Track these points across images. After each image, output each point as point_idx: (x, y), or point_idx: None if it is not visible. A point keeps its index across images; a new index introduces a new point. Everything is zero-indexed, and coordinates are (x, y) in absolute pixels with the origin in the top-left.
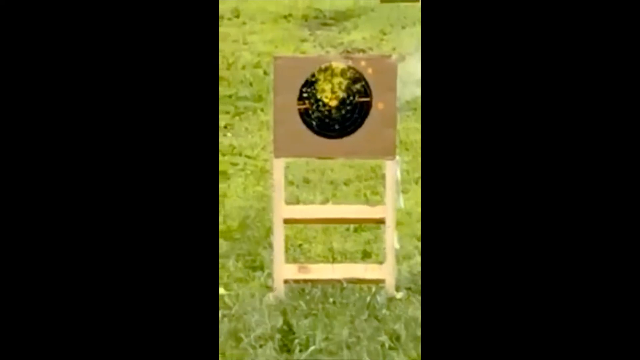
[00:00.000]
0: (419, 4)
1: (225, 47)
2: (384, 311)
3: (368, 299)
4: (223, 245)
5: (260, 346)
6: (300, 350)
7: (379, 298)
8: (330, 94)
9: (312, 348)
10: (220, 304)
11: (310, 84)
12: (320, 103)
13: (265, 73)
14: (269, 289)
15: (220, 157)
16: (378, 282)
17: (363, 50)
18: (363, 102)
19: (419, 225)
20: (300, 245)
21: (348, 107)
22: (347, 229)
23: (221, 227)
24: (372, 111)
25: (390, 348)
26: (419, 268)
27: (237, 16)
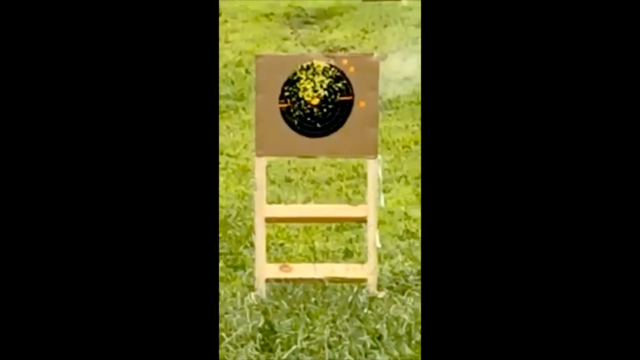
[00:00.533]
0: (402, 3)
1: None
2: (365, 310)
3: (350, 298)
4: None
5: (242, 346)
6: (282, 350)
7: (360, 297)
8: (312, 92)
9: (293, 347)
10: None
11: (292, 82)
12: (302, 102)
13: (246, 72)
14: (251, 288)
15: None
16: (360, 282)
17: (345, 49)
18: (345, 100)
19: (401, 225)
20: (281, 245)
21: (330, 106)
22: (329, 228)
23: None
24: (354, 110)
25: (372, 347)
26: (400, 267)
27: (219, 14)
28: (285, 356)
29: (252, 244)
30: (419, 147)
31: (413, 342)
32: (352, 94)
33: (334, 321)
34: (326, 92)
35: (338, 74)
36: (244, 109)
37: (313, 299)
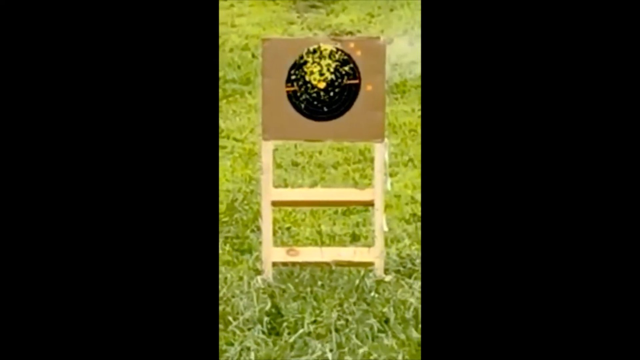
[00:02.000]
0: None
1: None
2: (372, 294)
3: (357, 282)
4: None
5: (249, 329)
6: (289, 333)
7: (367, 281)
8: (318, 76)
9: (300, 331)
10: None
11: (298, 66)
12: (309, 85)
13: (253, 56)
14: (258, 272)
15: None
16: (367, 265)
17: (351, 33)
18: (351, 84)
19: (407, 208)
20: (288, 228)
21: (336, 90)
22: (336, 212)
23: None
24: (361, 93)
25: (379, 331)
26: (407, 251)
27: None
28: (292, 340)
29: (259, 228)
30: None
31: (420, 325)
32: (359, 78)
33: (340, 305)
34: (333, 76)
35: (345, 57)
36: (250, 93)
37: (320, 283)
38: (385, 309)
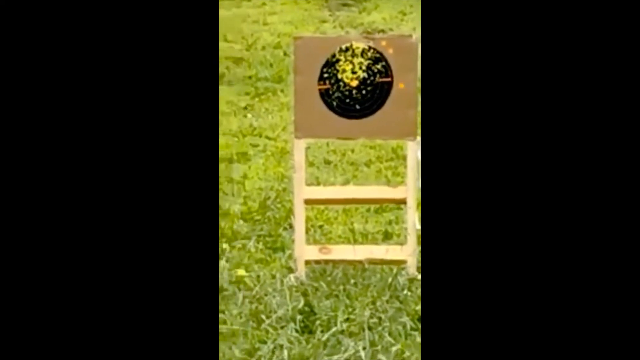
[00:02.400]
0: None
1: (245, 28)
2: (405, 292)
3: (389, 280)
4: (243, 226)
5: (282, 327)
6: (322, 332)
7: (400, 279)
8: (351, 74)
9: (333, 329)
10: (241, 286)
11: (330, 64)
12: (341, 83)
13: (285, 54)
14: (290, 270)
15: (241, 138)
16: (399, 263)
17: (383, 31)
18: (384, 82)
19: None
20: (321, 227)
21: (369, 88)
22: (368, 210)
23: (242, 208)
24: (393, 91)
25: (412, 329)
26: None
27: None
28: (325, 338)
29: (292, 226)
30: None
31: None
32: (392, 76)
33: (373, 303)
34: (365, 74)
35: (377, 55)
36: (282, 91)
37: (353, 281)
38: (417, 307)
